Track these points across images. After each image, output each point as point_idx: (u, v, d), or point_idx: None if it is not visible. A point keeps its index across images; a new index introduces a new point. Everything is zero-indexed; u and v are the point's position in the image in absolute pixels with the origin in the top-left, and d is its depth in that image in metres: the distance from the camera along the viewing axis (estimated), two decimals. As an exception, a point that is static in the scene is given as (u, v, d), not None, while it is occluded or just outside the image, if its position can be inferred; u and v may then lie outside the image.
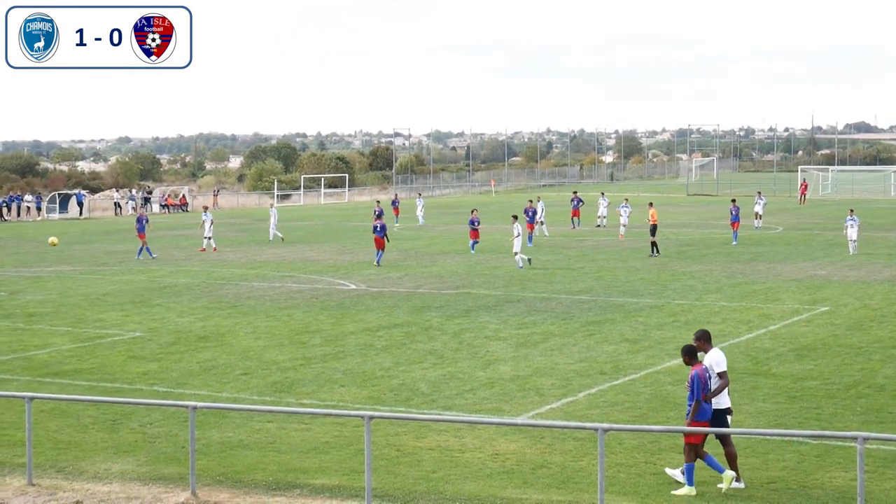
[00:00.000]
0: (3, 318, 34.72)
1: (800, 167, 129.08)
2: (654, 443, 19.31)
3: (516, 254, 47.75)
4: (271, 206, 71.03)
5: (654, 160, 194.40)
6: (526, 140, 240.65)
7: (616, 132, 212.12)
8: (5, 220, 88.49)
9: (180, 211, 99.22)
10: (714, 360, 17.25)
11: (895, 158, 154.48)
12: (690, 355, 17.20)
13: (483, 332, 31.08)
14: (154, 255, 53.62)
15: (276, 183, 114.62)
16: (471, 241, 54.29)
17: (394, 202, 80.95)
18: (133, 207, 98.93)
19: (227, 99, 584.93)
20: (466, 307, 35.92)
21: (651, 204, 56.36)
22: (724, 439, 17.13)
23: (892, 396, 22.99)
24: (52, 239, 51.87)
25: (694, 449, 16.67)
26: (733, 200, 61.85)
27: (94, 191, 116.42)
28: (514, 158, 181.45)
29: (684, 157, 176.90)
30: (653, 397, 23.06)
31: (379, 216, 50.34)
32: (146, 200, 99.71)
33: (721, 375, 17.12)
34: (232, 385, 24.68)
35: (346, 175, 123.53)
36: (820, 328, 31.40)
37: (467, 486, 16.98)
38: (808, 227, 69.95)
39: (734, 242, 57.52)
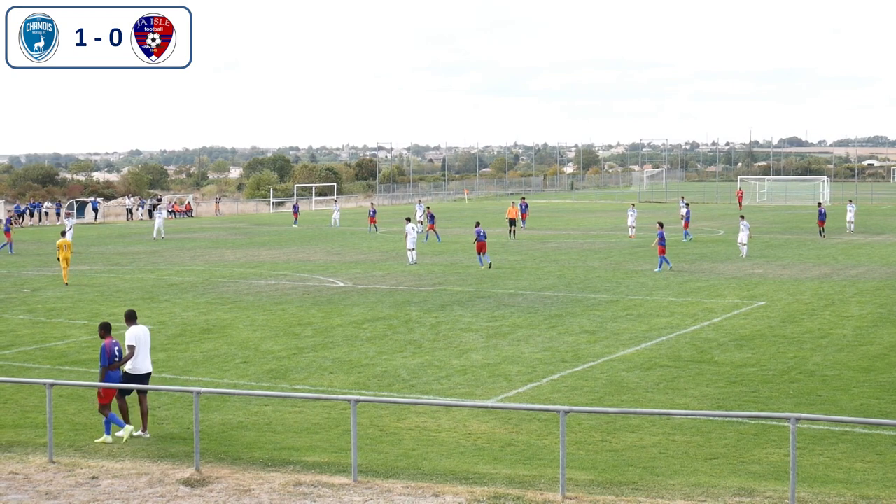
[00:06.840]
0: (25, 312, 34.54)
1: (739, 177, 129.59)
2: (609, 423, 19.34)
3: (412, 250, 48.85)
4: (68, 215, 61.74)
5: (610, 171, 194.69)
6: (496, 153, 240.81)
7: (576, 146, 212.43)
8: (23, 227, 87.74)
9: (186, 216, 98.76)
10: (128, 335, 18.73)
11: (823, 170, 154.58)
12: (104, 329, 18.64)
13: (457, 325, 31.07)
14: (12, 252, 55.28)
15: (271, 191, 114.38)
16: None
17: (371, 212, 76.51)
18: (142, 214, 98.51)
19: (227, 114, 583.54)
20: (442, 302, 35.90)
21: (513, 203, 68.13)
22: (141, 398, 18.79)
23: (821, 381, 23.10)
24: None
25: (108, 407, 18.30)
26: (687, 204, 66.88)
27: (107, 198, 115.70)
28: (484, 169, 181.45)
29: (636, 168, 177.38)
30: (609, 383, 23.10)
31: (477, 224, 48.99)
32: (155, 207, 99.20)
33: (129, 348, 18.57)
34: (232, 372, 24.61)
35: (335, 184, 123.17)
36: (757, 321, 31.51)
37: (443, 462, 16.98)
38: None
39: (684, 240, 59.52)
